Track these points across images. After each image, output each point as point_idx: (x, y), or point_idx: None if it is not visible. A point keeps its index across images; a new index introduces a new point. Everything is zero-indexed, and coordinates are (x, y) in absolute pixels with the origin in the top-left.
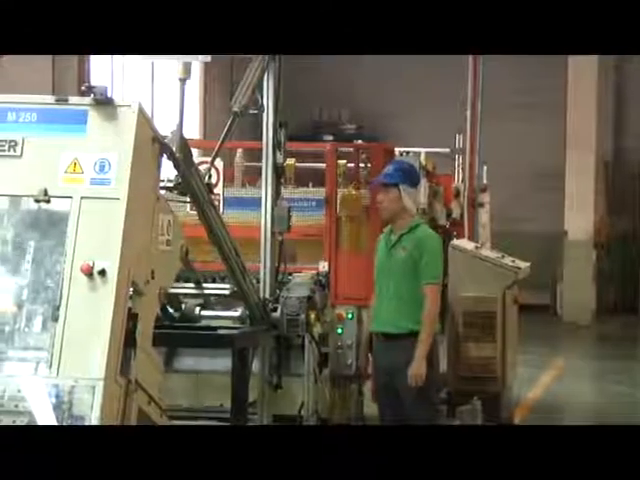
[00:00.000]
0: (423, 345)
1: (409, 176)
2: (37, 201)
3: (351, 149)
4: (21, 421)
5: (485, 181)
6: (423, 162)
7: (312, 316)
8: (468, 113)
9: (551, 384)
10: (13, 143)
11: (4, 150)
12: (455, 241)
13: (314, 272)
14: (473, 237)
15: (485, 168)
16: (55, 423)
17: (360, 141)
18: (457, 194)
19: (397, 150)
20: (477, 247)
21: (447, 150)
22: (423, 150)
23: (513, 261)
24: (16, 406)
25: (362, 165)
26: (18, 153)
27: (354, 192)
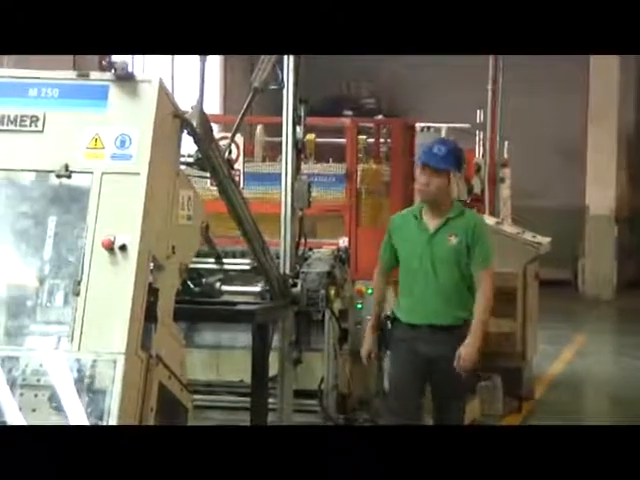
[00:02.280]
0: (480, 330)
1: (459, 161)
2: (58, 176)
3: (371, 124)
4: (43, 395)
5: (506, 156)
6: (444, 137)
7: (332, 291)
8: (489, 87)
9: (572, 359)
10: (35, 118)
11: (26, 125)
12: None
13: (334, 247)
14: (494, 212)
15: (506, 143)
16: (76, 397)
17: (381, 116)
18: (478, 169)
19: (418, 125)
20: (498, 222)
21: (468, 125)
22: (444, 125)
23: (534, 236)
24: (38, 380)
25: (382, 140)
26: (40, 128)
27: (375, 166)
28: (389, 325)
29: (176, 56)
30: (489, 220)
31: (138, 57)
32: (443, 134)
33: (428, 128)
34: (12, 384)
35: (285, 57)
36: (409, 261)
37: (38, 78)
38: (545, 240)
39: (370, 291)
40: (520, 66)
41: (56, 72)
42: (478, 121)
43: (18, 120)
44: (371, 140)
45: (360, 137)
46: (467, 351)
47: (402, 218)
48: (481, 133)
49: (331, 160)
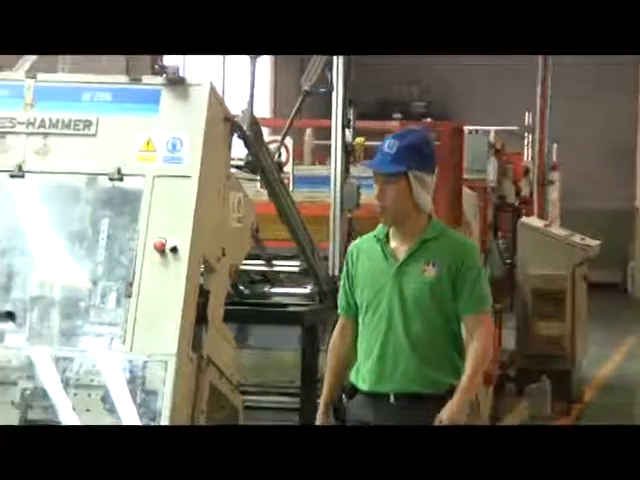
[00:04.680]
0: (469, 390)
1: (422, 157)
2: (111, 179)
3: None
4: (96, 395)
5: (555, 159)
6: (492, 140)
7: None
8: (538, 90)
9: (622, 362)
10: (88, 122)
11: (79, 129)
12: (524, 219)
13: None
14: (542, 215)
15: (555, 146)
16: (129, 397)
17: (429, 119)
18: (526, 172)
19: (466, 128)
20: (546, 225)
21: (516, 128)
22: (492, 128)
23: (582, 239)
24: (91, 380)
25: None
26: (93, 132)
27: None
28: (345, 400)
29: (227, 59)
30: (538, 222)
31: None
32: (491, 137)
33: (476, 131)
34: (66, 384)
35: (334, 60)
36: (370, 304)
37: (91, 83)
38: (594, 242)
39: None
40: (568, 67)
41: (109, 77)
42: (527, 123)
43: (72, 124)
44: None
45: None
46: (453, 411)
47: (361, 246)
48: (530, 136)
49: None
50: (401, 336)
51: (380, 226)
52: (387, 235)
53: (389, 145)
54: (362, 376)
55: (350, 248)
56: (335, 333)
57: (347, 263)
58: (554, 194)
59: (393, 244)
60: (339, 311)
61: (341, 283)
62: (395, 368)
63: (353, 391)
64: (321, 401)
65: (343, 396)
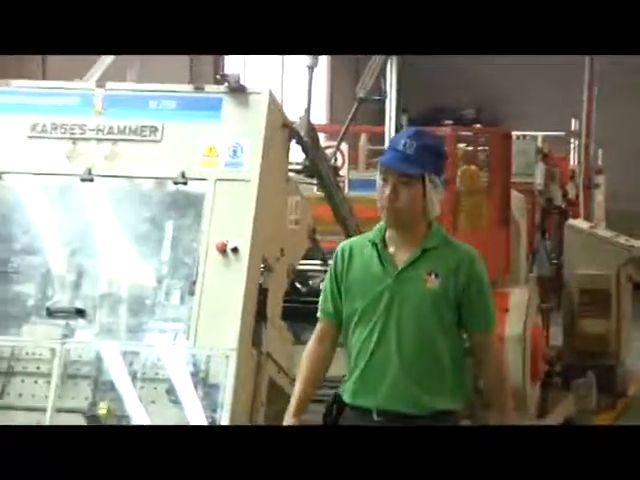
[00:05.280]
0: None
1: (438, 160)
2: (175, 183)
3: (470, 132)
4: (161, 387)
5: (600, 163)
6: (540, 145)
7: None
8: (585, 96)
9: None
10: (154, 129)
11: (146, 135)
12: (571, 221)
13: None
14: (589, 217)
15: (600, 151)
16: (192, 390)
17: (479, 125)
18: (572, 176)
19: (514, 134)
20: (592, 226)
21: (563, 133)
22: (540, 134)
23: (627, 240)
24: (157, 374)
25: (480, 148)
26: (158, 138)
27: (473, 167)
28: (333, 412)
29: (286, 68)
30: (584, 224)
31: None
32: (539, 142)
33: (524, 136)
34: (133, 377)
35: (388, 69)
36: (363, 314)
37: (157, 91)
38: (638, 243)
39: None
40: (613, 71)
41: (174, 85)
42: (573, 129)
43: (139, 131)
44: (470, 148)
45: (459, 145)
46: None
47: (354, 247)
48: (576, 141)
49: None
50: (392, 350)
51: (376, 228)
52: (384, 239)
53: (406, 144)
54: (347, 388)
55: (340, 247)
56: (313, 339)
57: (335, 263)
58: (599, 196)
59: (391, 249)
60: (320, 314)
61: (326, 284)
62: (380, 383)
63: (342, 405)
64: (287, 415)
65: (333, 410)
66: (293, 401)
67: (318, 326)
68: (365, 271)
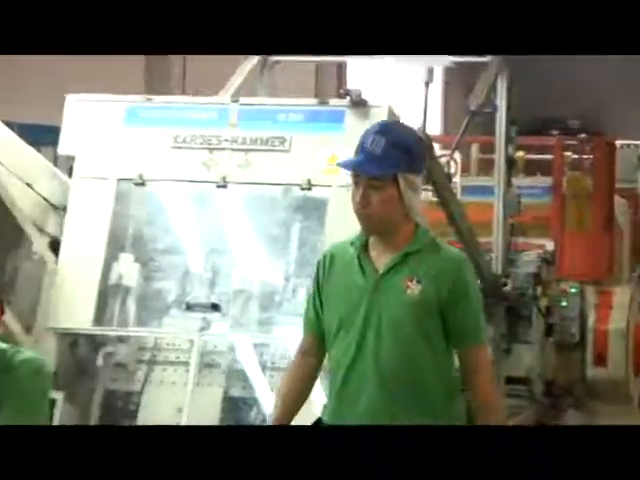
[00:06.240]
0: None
1: (412, 155)
2: (302, 189)
3: (575, 142)
4: None
5: None
6: None
7: (539, 290)
8: None
9: None
10: (282, 139)
11: (275, 146)
12: None
13: (541, 251)
14: None
15: None
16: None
17: (584, 134)
18: None
19: (618, 143)
20: None
21: None
22: None
23: None
24: (286, 364)
25: (585, 156)
26: (287, 148)
27: (579, 173)
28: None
29: (403, 84)
30: None
31: (370, 84)
32: None
33: (628, 145)
34: (263, 367)
35: (498, 84)
36: (342, 325)
37: (286, 105)
38: None
39: (574, 289)
40: None
41: (301, 99)
42: None
43: (269, 141)
44: (576, 156)
45: (565, 153)
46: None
47: (336, 252)
48: None
49: (539, 174)
50: (369, 365)
51: (360, 231)
52: (366, 243)
53: (373, 142)
54: (327, 406)
55: (322, 254)
56: (295, 353)
57: (317, 271)
58: None
59: (373, 254)
60: (303, 327)
61: (308, 294)
62: (356, 401)
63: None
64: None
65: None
66: (271, 420)
67: (301, 339)
68: (345, 278)
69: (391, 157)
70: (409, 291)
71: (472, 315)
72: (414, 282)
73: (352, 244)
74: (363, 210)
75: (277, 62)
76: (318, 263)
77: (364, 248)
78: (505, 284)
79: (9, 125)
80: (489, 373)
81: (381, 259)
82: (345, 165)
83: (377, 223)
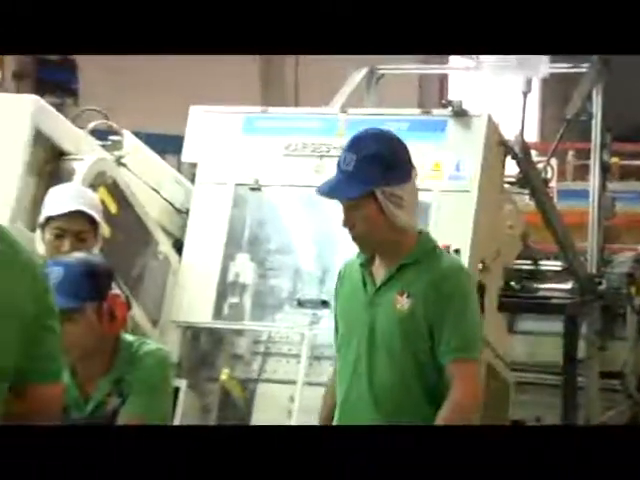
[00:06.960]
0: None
1: (388, 166)
2: None
3: None
4: None
5: None
6: None
7: (632, 289)
8: None
9: None
10: None
11: None
12: None
13: (635, 252)
14: None
15: None
16: None
17: None
18: None
19: None
20: None
21: None
22: None
23: None
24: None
25: None
26: None
27: None
28: None
29: (501, 94)
30: None
31: (471, 95)
32: None
33: None
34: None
35: (594, 92)
36: (343, 341)
37: (391, 115)
38: None
39: None
40: None
41: (406, 109)
42: None
43: None
44: None
45: None
46: None
47: (348, 266)
48: None
49: (634, 179)
50: (364, 384)
51: None
52: (373, 256)
53: (345, 160)
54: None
55: (341, 267)
56: (333, 370)
57: (336, 284)
58: None
59: (374, 268)
60: (334, 341)
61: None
62: (353, 422)
63: None
64: None
65: None
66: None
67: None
68: (350, 294)
69: (364, 174)
70: (399, 306)
71: (460, 330)
72: (404, 297)
73: (358, 257)
74: (349, 232)
75: (383, 75)
76: (338, 275)
77: (369, 262)
78: (600, 283)
79: (137, 135)
80: (473, 392)
81: (380, 272)
82: (320, 191)
83: (366, 242)
